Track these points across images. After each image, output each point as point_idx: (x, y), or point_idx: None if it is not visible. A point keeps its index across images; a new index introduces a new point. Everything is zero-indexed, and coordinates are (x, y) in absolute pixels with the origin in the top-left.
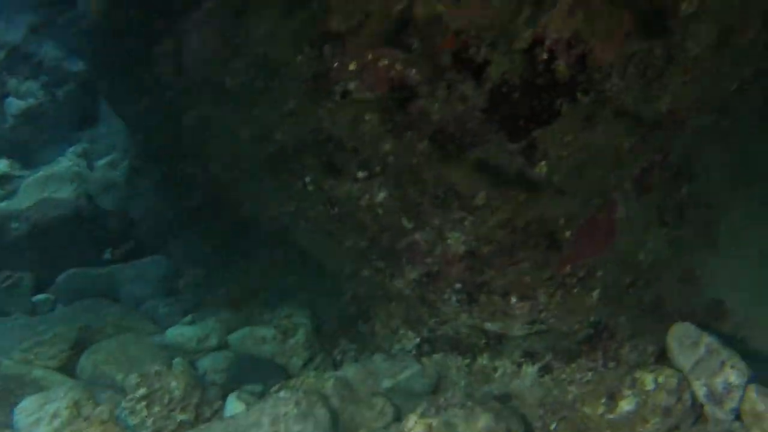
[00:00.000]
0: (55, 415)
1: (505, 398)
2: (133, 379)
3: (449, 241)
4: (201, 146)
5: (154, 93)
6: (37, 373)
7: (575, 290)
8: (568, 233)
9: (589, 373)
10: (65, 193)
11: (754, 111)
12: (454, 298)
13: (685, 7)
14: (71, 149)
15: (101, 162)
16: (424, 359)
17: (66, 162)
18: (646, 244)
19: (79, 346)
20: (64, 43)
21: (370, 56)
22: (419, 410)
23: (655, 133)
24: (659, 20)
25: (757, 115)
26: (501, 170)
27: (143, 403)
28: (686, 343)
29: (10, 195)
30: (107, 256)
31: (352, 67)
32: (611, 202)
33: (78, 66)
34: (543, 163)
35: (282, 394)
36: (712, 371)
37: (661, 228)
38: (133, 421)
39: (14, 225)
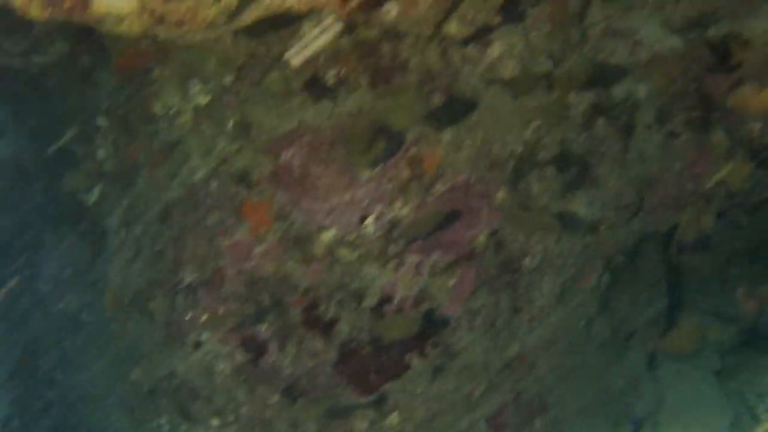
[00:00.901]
0: None
1: None
2: None
3: None
4: (57, 374)
5: (9, 318)
6: None
7: None
8: None
9: None
10: None
11: (597, 344)
12: None
13: (528, 262)
14: None
15: None
16: None
17: None
18: None
19: None
20: None
21: (221, 310)
22: None
23: (506, 377)
24: (505, 275)
25: (606, 344)
26: (352, 423)
27: None
28: None
29: None
30: None
31: (203, 319)
32: None
33: None
34: (394, 414)
35: None
36: None
37: None
38: None
39: None
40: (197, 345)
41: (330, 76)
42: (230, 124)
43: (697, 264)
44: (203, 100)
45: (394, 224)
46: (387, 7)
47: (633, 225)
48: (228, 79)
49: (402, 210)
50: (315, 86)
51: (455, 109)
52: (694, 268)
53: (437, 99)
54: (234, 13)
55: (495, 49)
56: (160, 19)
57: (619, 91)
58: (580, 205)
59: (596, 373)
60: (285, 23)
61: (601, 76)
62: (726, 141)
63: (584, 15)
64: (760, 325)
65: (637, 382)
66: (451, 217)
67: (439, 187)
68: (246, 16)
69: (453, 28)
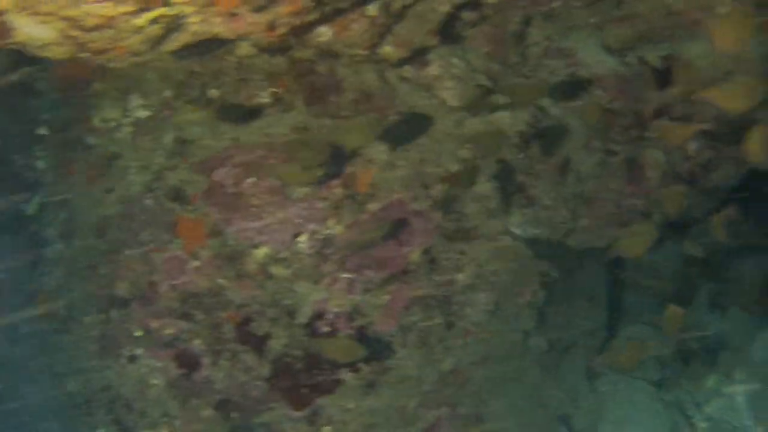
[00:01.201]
0: None
1: None
2: None
3: None
4: None
5: None
6: None
7: None
8: None
9: None
10: None
11: (534, 357)
12: None
13: (462, 279)
14: None
15: None
16: None
17: None
18: None
19: None
20: None
21: (155, 325)
22: None
23: (441, 391)
24: (438, 291)
25: (543, 357)
26: None
27: None
28: None
29: None
30: None
31: (137, 333)
32: None
33: None
34: (328, 428)
35: None
36: None
37: None
38: None
39: None
40: (132, 358)
41: (265, 95)
42: (168, 140)
43: (638, 279)
44: (143, 114)
45: (327, 242)
46: (320, 29)
47: (570, 242)
48: (167, 94)
49: (335, 228)
50: (250, 104)
51: (391, 129)
52: (635, 283)
53: (373, 118)
54: (158, 41)
55: (433, 70)
56: (82, 47)
57: (556, 110)
58: (515, 225)
59: (533, 385)
60: (216, 46)
61: (540, 96)
62: (663, 160)
63: (524, 35)
64: (699, 336)
65: (576, 394)
66: (384, 235)
67: (373, 206)
68: (171, 43)
69: (388, 49)
